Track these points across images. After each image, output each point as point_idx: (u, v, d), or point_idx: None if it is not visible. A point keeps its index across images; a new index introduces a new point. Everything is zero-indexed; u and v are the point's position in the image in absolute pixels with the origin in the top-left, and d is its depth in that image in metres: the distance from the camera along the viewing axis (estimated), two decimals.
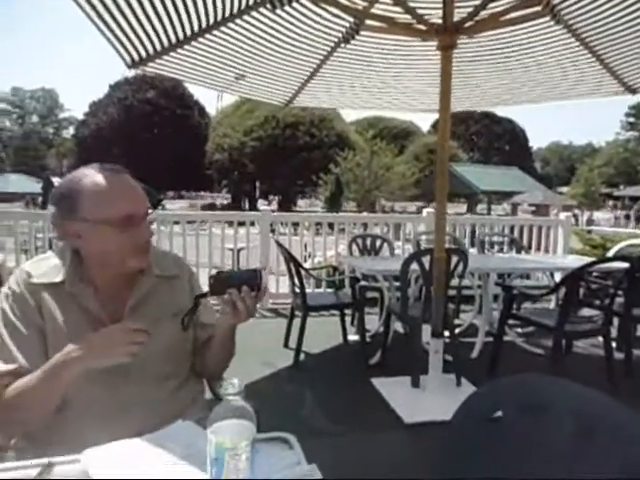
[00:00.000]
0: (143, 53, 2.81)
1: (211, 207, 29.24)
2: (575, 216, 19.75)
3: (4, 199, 28.93)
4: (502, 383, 0.94)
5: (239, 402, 0.73)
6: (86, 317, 1.13)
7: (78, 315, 1.12)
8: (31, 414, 1.05)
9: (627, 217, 29.44)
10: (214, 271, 1.20)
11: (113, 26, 2.40)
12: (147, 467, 0.84)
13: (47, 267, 1.16)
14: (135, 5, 2.29)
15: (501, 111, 49.82)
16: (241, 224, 5.60)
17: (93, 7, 2.19)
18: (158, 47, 2.80)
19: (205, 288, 1.14)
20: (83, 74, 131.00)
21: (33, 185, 28.69)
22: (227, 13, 2.68)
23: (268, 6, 2.64)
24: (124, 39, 2.58)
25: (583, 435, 0.82)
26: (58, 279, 1.13)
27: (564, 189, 41.56)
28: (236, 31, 2.87)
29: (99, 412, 1.10)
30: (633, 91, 3.60)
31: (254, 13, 2.75)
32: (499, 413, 0.93)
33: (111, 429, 1.00)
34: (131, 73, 30.31)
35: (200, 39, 2.85)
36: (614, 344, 3.29)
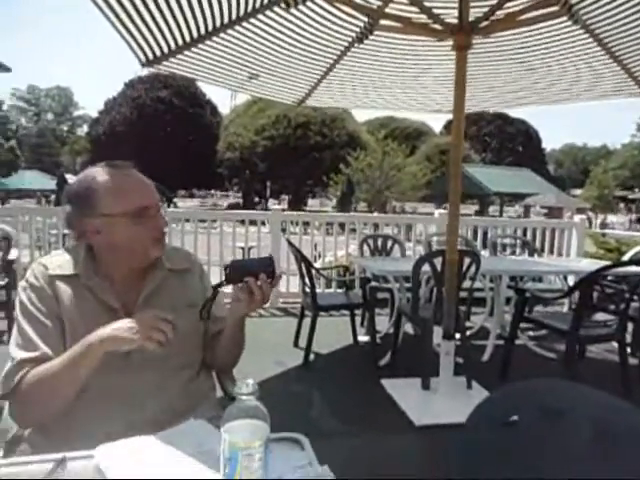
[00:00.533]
0: (157, 51, 2.83)
1: (236, 206, 29.91)
2: (589, 219, 19.52)
3: (18, 196, 29.32)
4: (519, 387, 0.92)
5: (253, 402, 0.73)
6: (102, 307, 1.16)
7: (94, 305, 1.16)
8: (51, 400, 1.07)
9: (639, 220, 29.04)
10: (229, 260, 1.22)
11: (128, 24, 2.42)
12: (159, 465, 0.84)
13: (62, 261, 1.20)
14: (150, 3, 2.31)
15: (514, 112, 49.36)
16: (252, 223, 5.62)
17: (109, 5, 2.21)
18: (172, 46, 2.81)
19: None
20: (98, 73, 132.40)
21: (48, 182, 29.02)
22: (241, 12, 2.68)
23: (282, 5, 2.64)
24: (139, 37, 2.60)
25: (601, 440, 0.81)
26: (73, 272, 1.17)
27: (578, 191, 41.07)
28: (250, 30, 2.87)
29: (114, 400, 1.12)
30: None
31: (268, 12, 2.75)
32: (514, 417, 0.92)
33: (125, 418, 1.06)
34: (144, 72, 30.49)
35: (214, 38, 2.86)
36: (628, 349, 3.24)
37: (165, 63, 2.99)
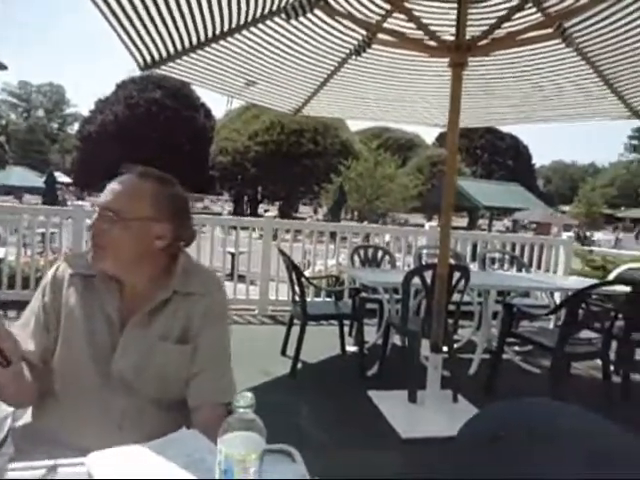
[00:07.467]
0: (156, 56, 2.82)
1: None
2: (578, 235, 19.75)
3: (7, 192, 28.81)
4: (509, 405, 0.94)
5: (250, 415, 0.73)
6: (101, 314, 1.15)
7: (96, 310, 1.15)
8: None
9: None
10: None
11: (129, 29, 2.42)
12: (150, 473, 0.84)
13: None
14: (152, 9, 2.31)
15: (505, 127, 49.96)
16: (244, 229, 5.62)
17: (111, 9, 2.21)
18: (172, 51, 2.81)
19: None
20: (92, 71, 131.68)
21: (35, 179, 28.61)
22: (242, 21, 2.70)
23: (283, 16, 2.67)
24: (139, 42, 2.60)
25: (592, 465, 0.82)
26: (92, 272, 1.16)
27: (566, 208, 41.65)
28: (249, 38, 2.89)
29: (91, 415, 1.10)
30: None
31: (268, 22, 2.77)
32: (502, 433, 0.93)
33: (101, 434, 1.02)
34: (138, 72, 30.31)
35: (214, 45, 2.87)
36: (612, 367, 3.28)
37: (163, 67, 3.00)
